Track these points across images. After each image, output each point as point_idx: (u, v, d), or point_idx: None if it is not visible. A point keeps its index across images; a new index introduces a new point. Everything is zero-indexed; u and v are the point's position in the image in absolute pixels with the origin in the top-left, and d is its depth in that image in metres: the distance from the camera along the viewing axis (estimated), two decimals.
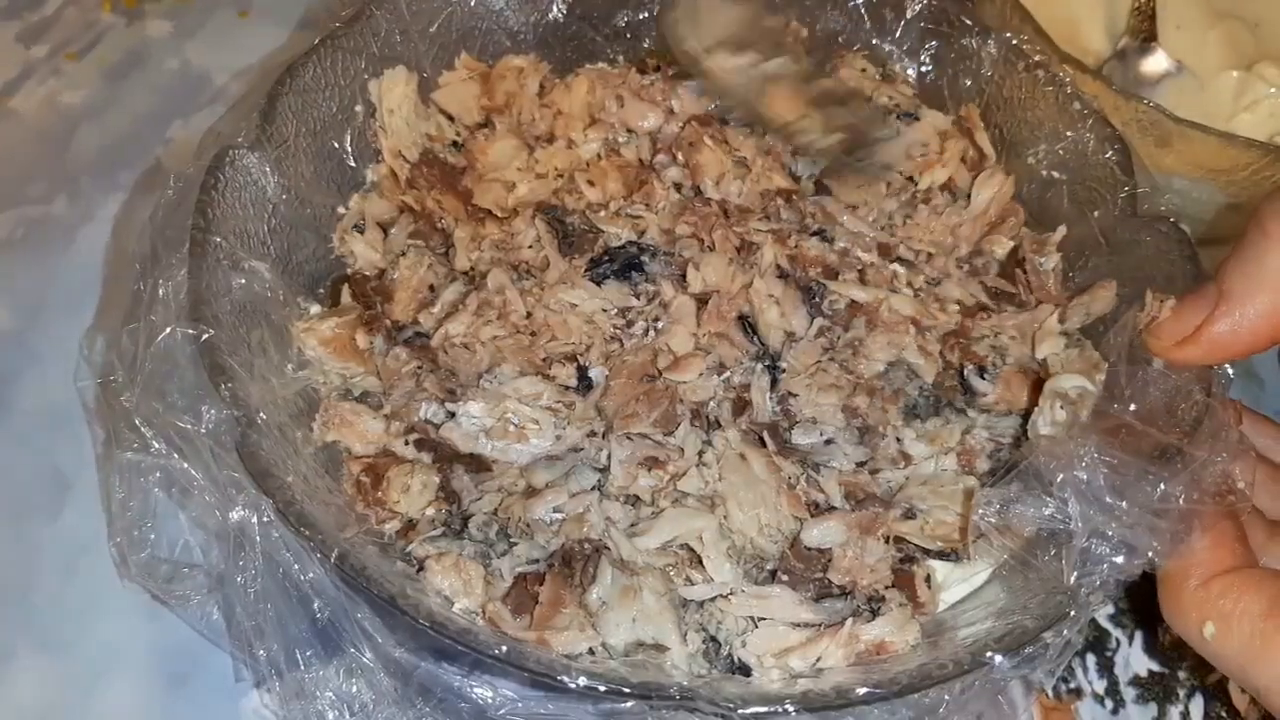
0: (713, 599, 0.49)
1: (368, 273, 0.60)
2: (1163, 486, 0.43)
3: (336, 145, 0.62)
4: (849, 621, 0.47)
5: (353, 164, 0.62)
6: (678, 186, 0.63)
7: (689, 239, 0.60)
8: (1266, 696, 0.41)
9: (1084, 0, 0.77)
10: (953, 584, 0.51)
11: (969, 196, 0.64)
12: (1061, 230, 0.61)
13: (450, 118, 0.66)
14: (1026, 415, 0.55)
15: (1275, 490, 0.50)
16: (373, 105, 0.63)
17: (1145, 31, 0.74)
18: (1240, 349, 0.45)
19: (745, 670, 0.47)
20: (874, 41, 0.69)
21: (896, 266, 0.60)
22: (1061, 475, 0.44)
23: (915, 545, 0.51)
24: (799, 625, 0.48)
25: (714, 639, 0.48)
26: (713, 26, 0.58)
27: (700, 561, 0.49)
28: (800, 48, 0.59)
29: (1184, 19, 0.75)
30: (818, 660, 0.46)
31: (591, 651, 0.46)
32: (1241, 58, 0.74)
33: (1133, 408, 0.47)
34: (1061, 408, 0.51)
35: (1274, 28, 0.75)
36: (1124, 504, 0.43)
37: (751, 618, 0.48)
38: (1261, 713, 0.59)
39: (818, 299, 0.58)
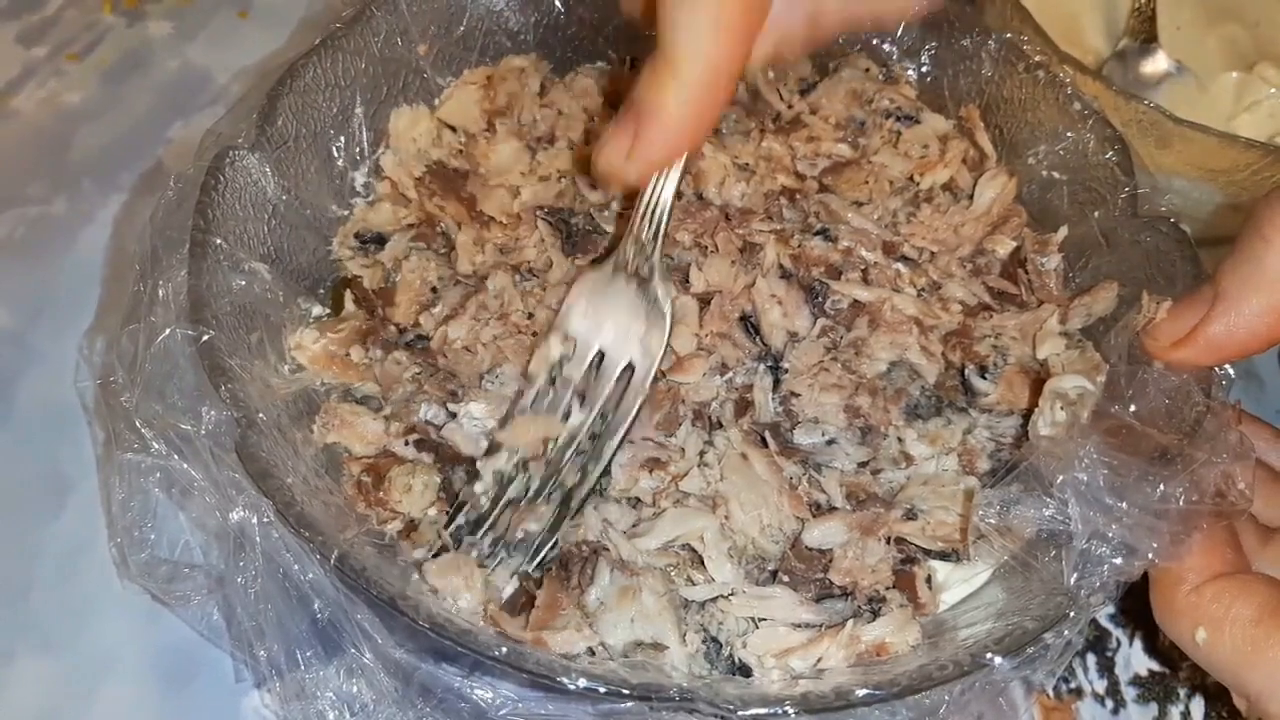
0: (713, 599, 0.49)
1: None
2: (1162, 488, 0.43)
3: (336, 146, 0.62)
4: (850, 622, 0.47)
5: (341, 165, 0.63)
6: (678, 194, 0.63)
7: (690, 248, 0.60)
8: (1257, 702, 0.41)
9: (1084, 1, 0.78)
10: (953, 584, 0.51)
11: (971, 196, 0.64)
12: (1063, 231, 0.61)
13: (453, 128, 0.66)
14: (1028, 415, 0.55)
15: (1270, 495, 0.50)
16: (372, 109, 0.63)
17: (1145, 32, 0.74)
18: (1236, 350, 0.45)
19: (746, 671, 0.47)
20: (874, 41, 0.69)
21: (900, 266, 0.60)
22: (1061, 476, 0.44)
23: (916, 546, 0.51)
24: (800, 626, 0.48)
25: (714, 639, 0.48)
26: (598, 328, 0.51)
27: (701, 562, 0.49)
28: (617, 426, 0.50)
29: (1184, 20, 0.75)
30: (818, 661, 0.46)
31: (591, 652, 0.46)
32: (1241, 58, 0.74)
33: (1133, 409, 0.47)
34: (1062, 408, 0.51)
35: (1273, 28, 0.75)
36: (1124, 505, 0.43)
37: (752, 618, 0.48)
38: None
39: (820, 299, 0.58)
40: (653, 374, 0.49)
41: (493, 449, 0.49)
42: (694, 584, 0.49)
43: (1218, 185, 0.65)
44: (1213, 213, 0.67)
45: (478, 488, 0.49)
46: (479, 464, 0.49)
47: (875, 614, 0.49)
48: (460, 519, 0.49)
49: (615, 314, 0.50)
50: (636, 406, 0.49)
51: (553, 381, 0.50)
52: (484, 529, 0.49)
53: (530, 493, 0.49)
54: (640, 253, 0.49)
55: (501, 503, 0.49)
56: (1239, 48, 0.73)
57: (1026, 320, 0.58)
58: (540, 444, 0.50)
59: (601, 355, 0.50)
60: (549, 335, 0.50)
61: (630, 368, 0.49)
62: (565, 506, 0.48)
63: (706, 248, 0.60)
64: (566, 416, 0.50)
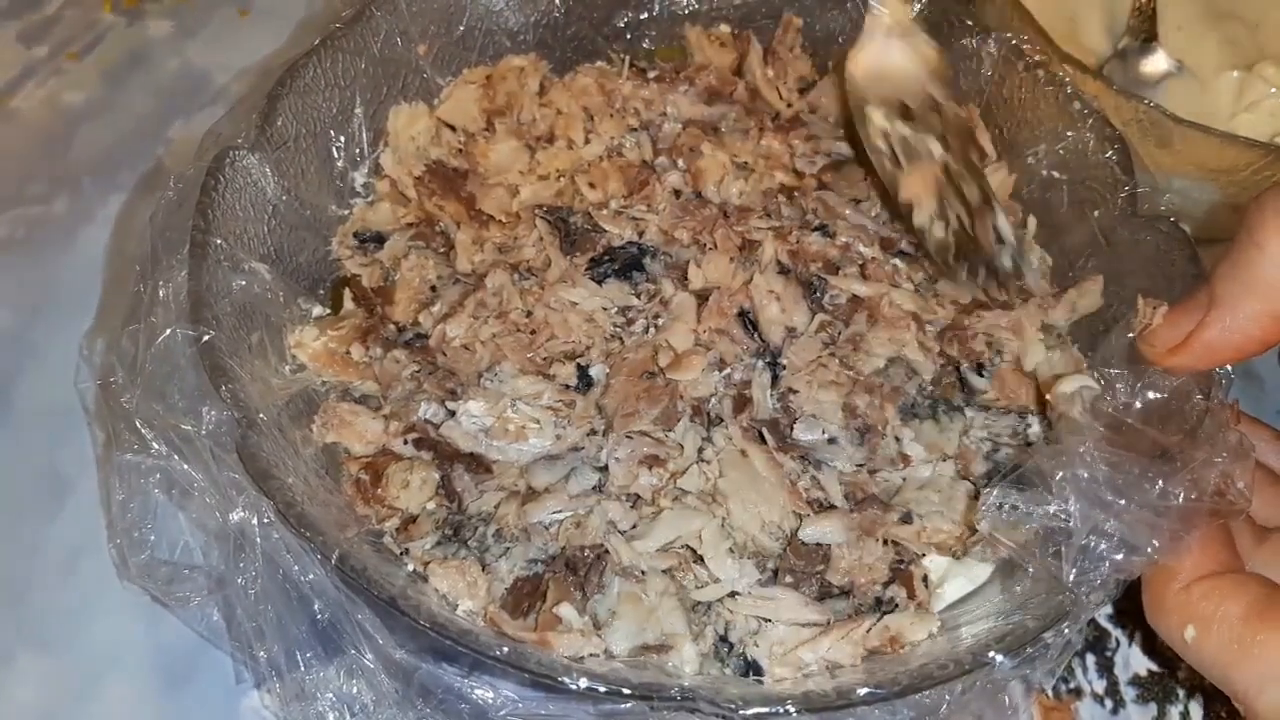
0: (720, 599, 0.49)
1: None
2: (1162, 485, 0.43)
3: (336, 146, 0.62)
4: (865, 620, 0.47)
5: (341, 165, 0.63)
6: (677, 193, 0.63)
7: (688, 245, 0.60)
8: (1244, 700, 0.41)
9: (1084, 0, 0.77)
10: (953, 578, 0.51)
11: None
12: (1033, 222, 0.61)
13: (453, 128, 0.66)
14: (1025, 414, 0.55)
15: (1266, 496, 0.50)
16: (372, 109, 0.63)
17: (1145, 32, 0.74)
18: (1231, 354, 0.45)
19: (758, 669, 0.47)
20: None
21: (898, 261, 0.60)
22: (1062, 473, 0.44)
23: (911, 550, 0.51)
24: (806, 625, 0.48)
25: (724, 638, 0.48)
26: (891, 84, 0.58)
27: (702, 561, 0.49)
28: (961, 138, 0.57)
29: (1184, 19, 0.75)
30: (830, 657, 0.46)
31: (594, 654, 0.46)
32: (1242, 58, 0.73)
33: (1138, 405, 0.47)
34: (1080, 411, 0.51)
35: (1274, 28, 0.75)
36: (1124, 502, 0.43)
37: (759, 617, 0.48)
38: None
39: (819, 294, 0.59)
40: (954, 95, 0.56)
41: (909, 211, 0.57)
42: (699, 584, 0.49)
43: (1218, 185, 0.65)
44: (1212, 212, 0.67)
45: (938, 231, 0.56)
46: (917, 223, 0.57)
47: (883, 611, 0.49)
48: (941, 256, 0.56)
49: (899, 67, 0.57)
50: (971, 120, 0.58)
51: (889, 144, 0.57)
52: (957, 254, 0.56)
53: (965, 213, 0.55)
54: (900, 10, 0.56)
55: (953, 231, 0.56)
56: (1240, 47, 0.73)
57: (1017, 317, 0.58)
58: (935, 182, 0.56)
59: (904, 105, 0.57)
60: (866, 110, 0.58)
61: (935, 102, 0.56)
62: (990, 206, 0.55)
63: (705, 245, 0.60)
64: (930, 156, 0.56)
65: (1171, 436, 0.45)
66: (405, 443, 0.53)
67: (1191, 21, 0.74)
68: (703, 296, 0.58)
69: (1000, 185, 0.63)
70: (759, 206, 0.62)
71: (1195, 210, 0.66)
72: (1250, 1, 0.76)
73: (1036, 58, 0.63)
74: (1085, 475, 0.43)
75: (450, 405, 0.54)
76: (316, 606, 0.44)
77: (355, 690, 0.47)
